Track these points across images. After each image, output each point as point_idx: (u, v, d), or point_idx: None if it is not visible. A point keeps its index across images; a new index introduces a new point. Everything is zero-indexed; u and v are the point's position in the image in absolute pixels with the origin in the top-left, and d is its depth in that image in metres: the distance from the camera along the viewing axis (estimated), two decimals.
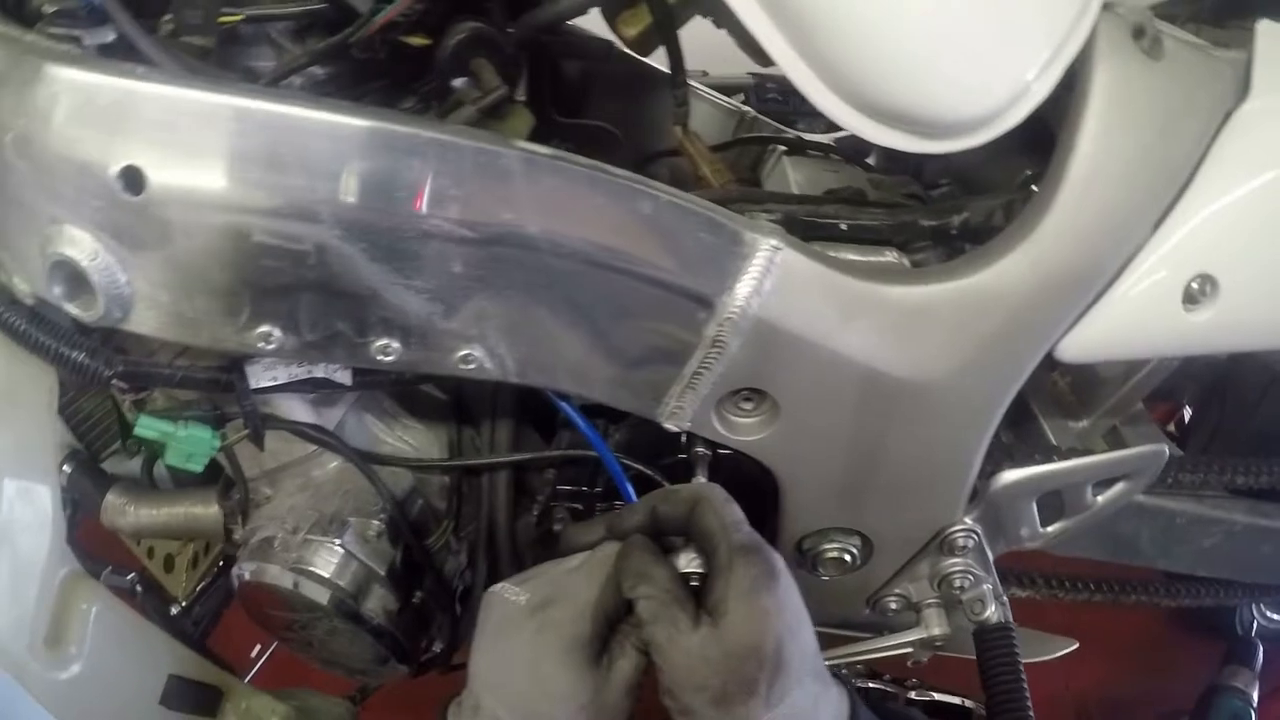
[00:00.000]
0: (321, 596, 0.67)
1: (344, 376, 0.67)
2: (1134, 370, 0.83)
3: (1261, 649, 1.10)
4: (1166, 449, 0.78)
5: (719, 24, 0.64)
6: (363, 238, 0.51)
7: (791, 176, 0.80)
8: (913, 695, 0.87)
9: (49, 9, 0.57)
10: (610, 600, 0.49)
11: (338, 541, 0.68)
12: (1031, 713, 0.68)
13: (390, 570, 0.70)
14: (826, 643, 0.84)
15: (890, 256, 0.63)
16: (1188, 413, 1.16)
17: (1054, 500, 0.79)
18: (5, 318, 0.58)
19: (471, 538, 0.77)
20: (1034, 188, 0.63)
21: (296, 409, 0.69)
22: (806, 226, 0.61)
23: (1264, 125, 0.62)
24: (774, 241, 0.54)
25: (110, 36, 0.56)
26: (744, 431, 0.64)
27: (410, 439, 0.76)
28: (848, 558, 0.75)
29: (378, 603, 0.70)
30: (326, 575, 0.67)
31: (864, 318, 0.59)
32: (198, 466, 0.68)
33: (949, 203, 0.63)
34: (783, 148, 0.88)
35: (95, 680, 0.68)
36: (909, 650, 0.81)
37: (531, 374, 0.59)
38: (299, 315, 0.55)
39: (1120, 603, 1.03)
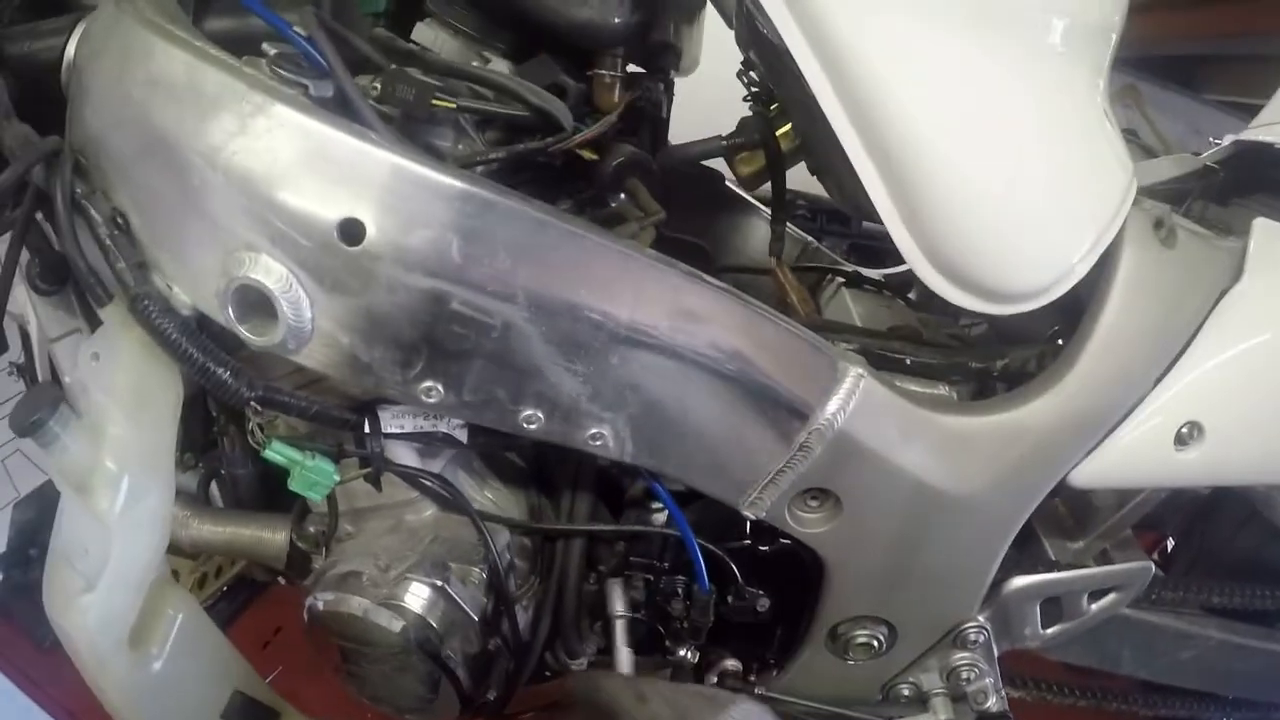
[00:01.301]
0: (411, 632, 0.72)
1: (461, 434, 0.76)
2: (1126, 499, 0.95)
3: None
4: (1153, 566, 0.90)
5: (822, 177, 0.78)
6: (546, 322, 0.59)
7: (853, 309, 0.93)
8: None
9: (270, 49, 0.64)
10: None
11: (438, 582, 0.73)
12: None
13: (482, 616, 0.77)
14: None
15: (942, 390, 0.76)
16: (1170, 543, 1.29)
17: (1053, 607, 0.91)
18: (158, 323, 0.59)
19: (539, 597, 0.84)
20: (1059, 341, 0.77)
21: (407, 457, 0.76)
22: (878, 358, 0.74)
23: (1250, 304, 0.76)
24: (859, 370, 0.67)
25: (329, 92, 0.63)
26: (809, 525, 0.75)
27: (495, 498, 0.83)
28: (875, 644, 0.86)
29: (459, 645, 0.76)
30: (418, 612, 0.72)
31: (920, 439, 0.71)
32: (318, 496, 0.72)
33: (992, 349, 0.76)
34: (841, 279, 1.02)
35: (169, 683, 0.72)
36: None
37: (643, 456, 0.69)
38: (465, 377, 0.62)
39: (1103, 709, 1.13)
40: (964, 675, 0.90)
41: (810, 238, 1.12)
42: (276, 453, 0.69)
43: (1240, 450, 0.80)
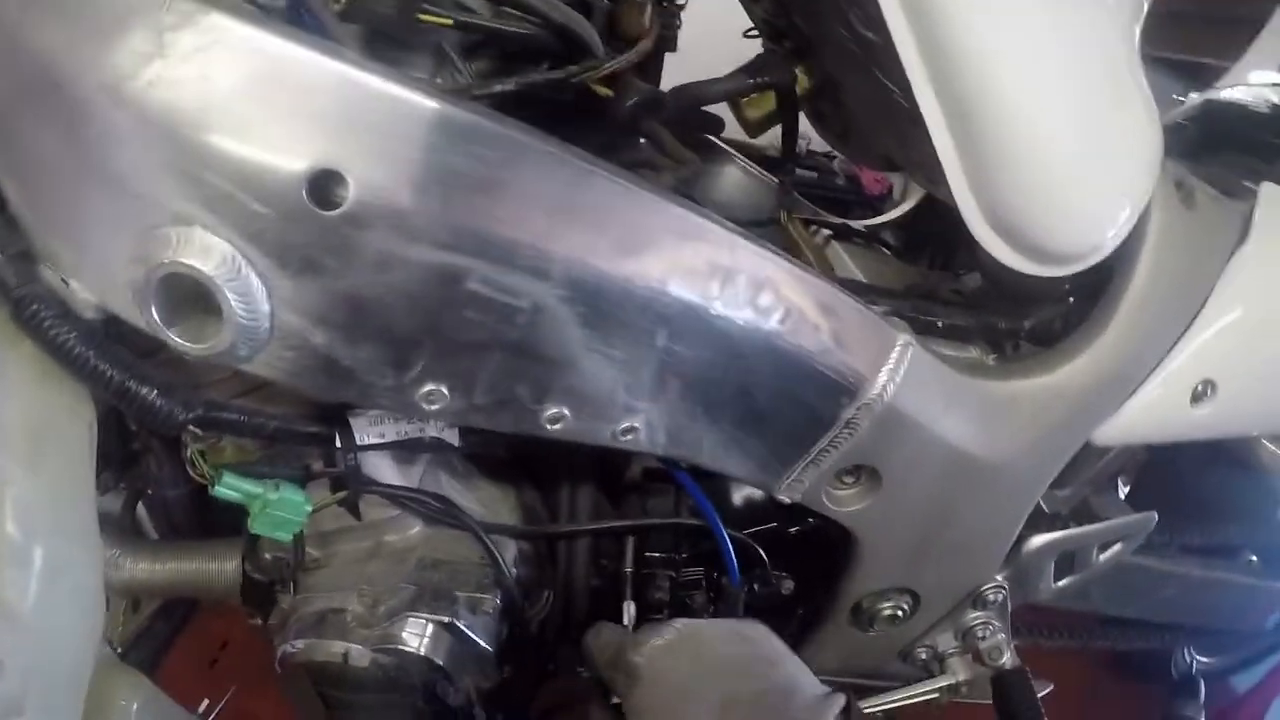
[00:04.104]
0: (415, 678, 0.62)
1: (452, 435, 0.66)
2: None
3: (1203, 685, 1.27)
4: (1155, 516, 0.92)
5: (826, 123, 0.72)
6: (588, 300, 0.49)
7: (851, 264, 0.89)
8: None
9: None
10: None
11: (446, 618, 0.63)
12: None
13: (499, 648, 0.66)
14: (857, 694, 0.93)
15: (974, 352, 0.73)
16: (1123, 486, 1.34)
17: (1064, 560, 0.91)
18: (53, 333, 0.45)
19: (546, 604, 0.74)
20: (1070, 300, 0.75)
21: (385, 468, 0.66)
22: (911, 321, 0.70)
23: (1256, 266, 0.76)
24: (907, 337, 0.63)
25: (281, 1, 0.47)
26: (844, 503, 0.71)
27: (485, 502, 0.73)
28: (899, 614, 0.84)
29: (472, 683, 0.66)
30: (423, 653, 0.62)
31: (961, 406, 0.68)
32: (286, 536, 0.61)
33: (1012, 308, 0.73)
34: (828, 231, 0.97)
35: None
36: (936, 696, 0.90)
37: (675, 446, 0.63)
38: (479, 376, 0.50)
39: (1090, 647, 1.17)
40: (979, 634, 0.89)
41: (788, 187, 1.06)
42: (229, 489, 0.57)
43: (1247, 405, 0.81)
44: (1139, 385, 0.74)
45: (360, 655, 0.62)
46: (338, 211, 0.42)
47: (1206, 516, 1.15)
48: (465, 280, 0.47)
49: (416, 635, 0.63)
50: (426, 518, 0.68)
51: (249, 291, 0.43)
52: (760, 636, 0.60)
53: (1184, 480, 1.20)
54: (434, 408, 0.51)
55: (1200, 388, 0.77)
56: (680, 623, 0.59)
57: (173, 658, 0.74)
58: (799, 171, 0.97)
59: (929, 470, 0.70)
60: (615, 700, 0.59)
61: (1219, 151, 0.97)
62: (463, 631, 0.64)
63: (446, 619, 0.63)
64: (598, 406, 0.57)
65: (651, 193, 0.52)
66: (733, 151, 1.07)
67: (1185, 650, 1.24)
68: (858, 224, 0.95)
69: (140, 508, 0.73)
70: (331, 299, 0.45)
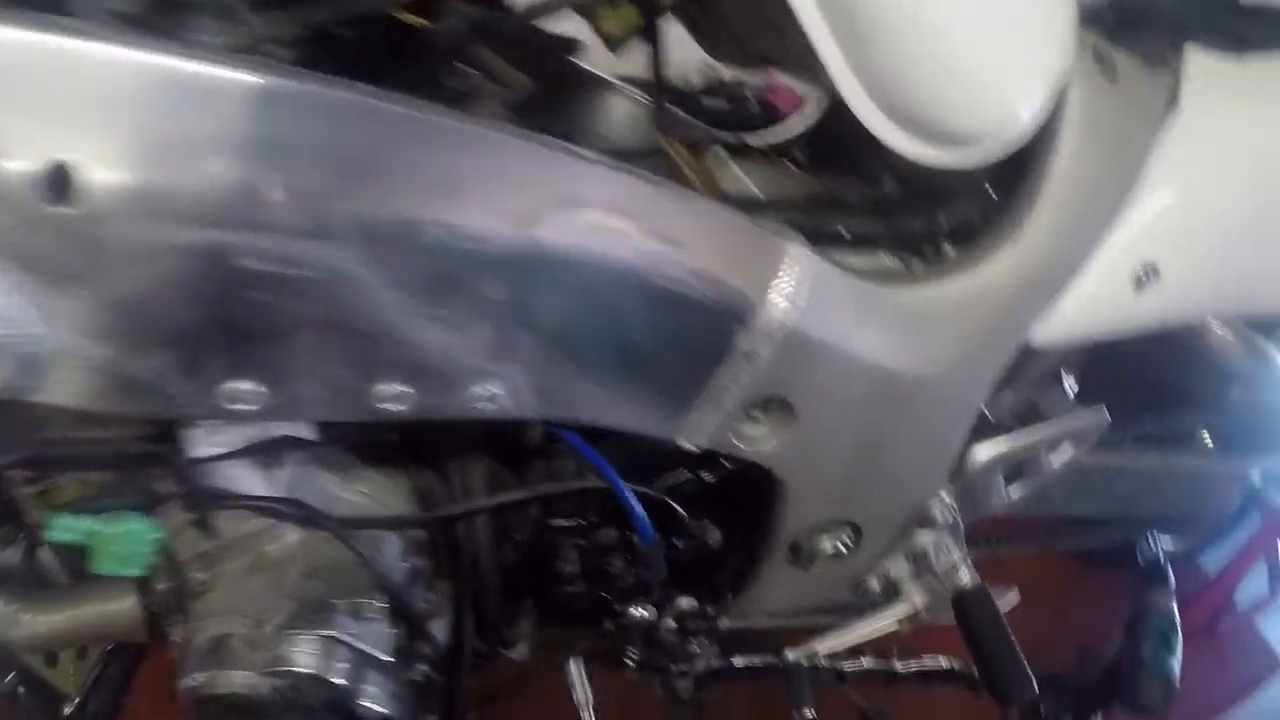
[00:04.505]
0: (312, 698, 0.57)
1: (308, 429, 0.59)
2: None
3: (1171, 570, 1.24)
4: (1105, 412, 0.86)
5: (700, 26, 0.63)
6: (389, 259, 0.43)
7: (747, 180, 0.80)
8: (899, 667, 0.92)
9: None
10: None
11: (324, 631, 0.58)
12: (1025, 663, 0.73)
13: (396, 653, 0.61)
14: (814, 636, 0.88)
15: (887, 261, 0.65)
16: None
17: (1015, 468, 0.85)
18: None
19: (454, 593, 0.69)
20: (993, 194, 0.67)
21: (243, 476, 0.60)
22: (810, 234, 0.61)
23: (1190, 135, 0.69)
24: (806, 250, 0.55)
25: None
26: (757, 442, 0.64)
27: (370, 492, 0.66)
28: (842, 548, 0.78)
29: (377, 691, 0.60)
30: (313, 672, 0.57)
31: (876, 320, 0.60)
32: (138, 570, 0.57)
33: (927, 208, 0.65)
34: (719, 146, 0.87)
35: None
36: (897, 626, 0.85)
37: (549, 407, 0.56)
38: (288, 365, 0.46)
39: (1051, 548, 1.13)
40: (932, 556, 0.83)
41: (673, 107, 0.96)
42: (64, 530, 0.54)
43: (1193, 286, 0.75)
44: (1074, 277, 0.67)
45: (257, 683, 0.57)
46: (79, 208, 0.38)
47: (1158, 404, 1.10)
48: (236, 257, 0.41)
49: (304, 653, 0.58)
50: (296, 520, 0.61)
51: (16, 319, 0.39)
52: None
53: (1132, 369, 1.14)
54: (248, 407, 0.46)
55: (1142, 273, 0.70)
56: None
57: (134, 698, 0.71)
58: (708, 101, 0.88)
59: (848, 394, 0.63)
60: None
61: (1138, 32, 0.88)
62: (346, 643, 0.58)
63: (327, 632, 0.58)
64: (441, 376, 0.50)
65: (461, 123, 0.44)
66: (602, 75, 0.95)
67: (1149, 537, 1.22)
68: (755, 139, 0.85)
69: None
70: (100, 306, 0.41)
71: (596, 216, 0.47)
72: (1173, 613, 1.16)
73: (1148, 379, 1.16)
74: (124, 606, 0.63)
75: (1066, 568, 1.54)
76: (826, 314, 0.58)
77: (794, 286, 0.54)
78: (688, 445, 0.61)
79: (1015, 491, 0.86)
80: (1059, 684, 1.29)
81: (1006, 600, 1.06)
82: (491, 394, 0.52)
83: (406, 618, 0.63)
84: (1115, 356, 1.17)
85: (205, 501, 0.55)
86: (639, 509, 0.64)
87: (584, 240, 0.47)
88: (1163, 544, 1.23)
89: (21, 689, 0.73)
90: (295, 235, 0.41)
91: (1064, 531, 1.18)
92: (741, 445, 0.64)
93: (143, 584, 0.62)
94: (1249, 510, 1.33)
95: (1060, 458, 0.86)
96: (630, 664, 0.85)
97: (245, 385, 0.45)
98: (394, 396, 0.49)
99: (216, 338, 0.43)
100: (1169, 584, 1.23)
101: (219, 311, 0.43)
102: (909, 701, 1.20)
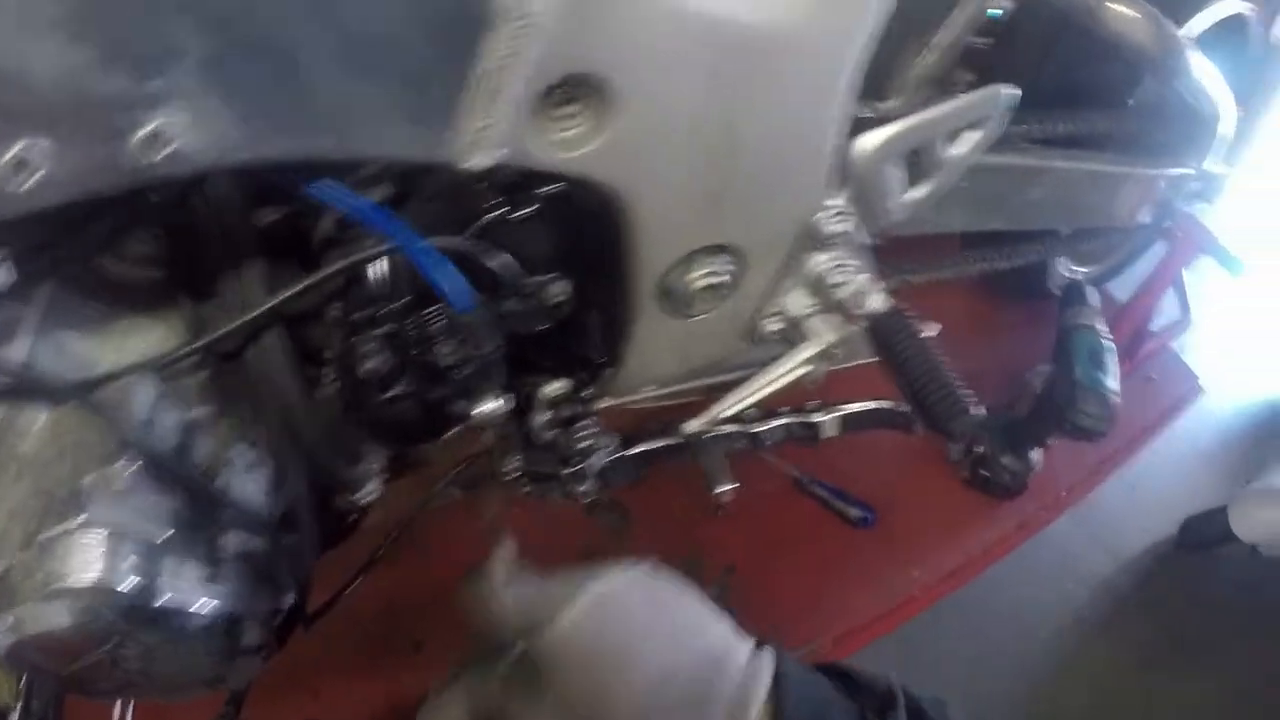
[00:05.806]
0: (105, 613, 0.45)
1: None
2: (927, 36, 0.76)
3: (1093, 288, 1.17)
4: (1016, 90, 0.73)
5: None
6: None
7: None
8: (820, 417, 0.82)
9: None
10: None
11: (80, 518, 0.45)
12: (957, 382, 0.64)
13: (178, 527, 0.48)
14: (720, 392, 0.77)
15: None
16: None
17: (914, 169, 0.73)
18: None
19: (266, 437, 0.55)
20: None
21: None
22: None
23: None
24: None
25: None
26: (570, 147, 0.49)
27: (135, 342, 0.51)
28: (721, 279, 0.65)
29: (183, 582, 0.48)
30: (94, 581, 0.44)
31: None
32: None
33: None
34: None
35: None
36: (808, 370, 0.74)
37: (264, 141, 0.40)
38: None
39: (964, 273, 1.04)
40: (833, 280, 0.71)
41: None
42: None
43: None
44: None
45: (58, 612, 0.44)
46: None
47: (1062, 104, 0.98)
48: None
49: (82, 561, 0.44)
50: (34, 400, 0.46)
51: None
52: (671, 598, 0.51)
53: (1032, 66, 1.02)
54: None
55: None
56: (587, 589, 0.49)
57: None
58: None
59: (677, 60, 0.48)
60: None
61: None
62: (114, 530, 0.45)
63: (78, 520, 0.44)
64: (80, 117, 0.35)
65: None
66: None
67: (1058, 265, 1.14)
68: None
69: None
70: None
71: None
72: (1099, 330, 1.10)
73: (1051, 78, 1.04)
74: None
75: (986, 302, 1.47)
76: None
77: None
78: (477, 165, 0.46)
79: (917, 192, 0.74)
80: (993, 418, 1.25)
81: (926, 332, 0.98)
82: (169, 132, 0.37)
83: (179, 477, 0.49)
84: (1017, 50, 1.05)
85: None
86: (440, 265, 0.49)
87: None
88: (1072, 269, 1.16)
89: None
90: None
91: (975, 252, 1.09)
92: (552, 155, 0.49)
93: None
94: (1155, 233, 1.26)
95: (962, 149, 0.73)
96: (513, 478, 0.74)
97: None
98: (22, 166, 0.34)
99: None
100: (1089, 302, 1.16)
101: None
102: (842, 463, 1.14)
